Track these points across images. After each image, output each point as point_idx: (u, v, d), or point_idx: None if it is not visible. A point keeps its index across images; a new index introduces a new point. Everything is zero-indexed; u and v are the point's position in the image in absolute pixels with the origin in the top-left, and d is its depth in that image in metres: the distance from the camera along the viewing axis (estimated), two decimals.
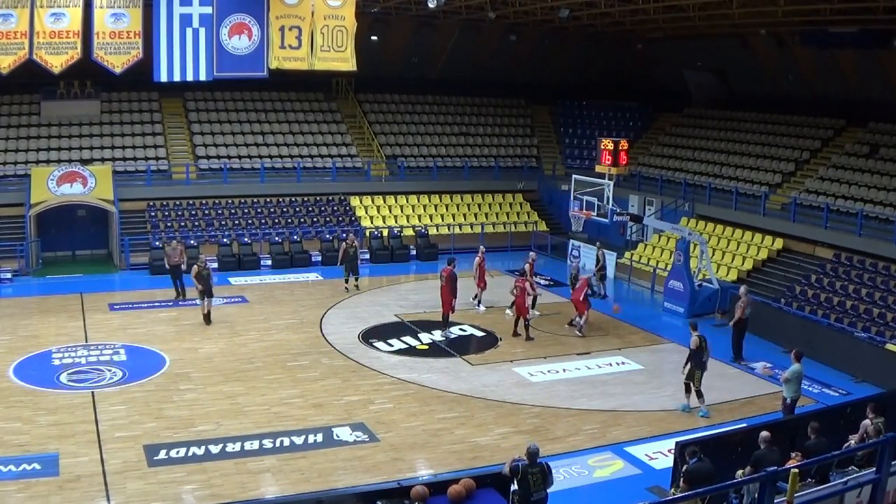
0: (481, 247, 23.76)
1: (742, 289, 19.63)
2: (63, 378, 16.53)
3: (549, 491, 10.30)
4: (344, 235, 26.26)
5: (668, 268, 24.47)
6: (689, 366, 15.60)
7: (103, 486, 12.19)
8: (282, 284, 25.11)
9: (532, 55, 35.07)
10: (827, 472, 9.31)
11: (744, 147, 29.98)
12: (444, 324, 20.24)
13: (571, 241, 29.19)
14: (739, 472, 10.20)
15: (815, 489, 8.43)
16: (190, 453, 13.40)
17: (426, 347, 19.51)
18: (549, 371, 18.04)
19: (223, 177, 29.68)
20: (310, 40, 21.26)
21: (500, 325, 21.30)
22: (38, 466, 12.68)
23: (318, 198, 30.70)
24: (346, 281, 24.18)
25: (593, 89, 37.13)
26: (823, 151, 27.69)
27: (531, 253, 24.14)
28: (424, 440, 14.36)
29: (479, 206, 32.81)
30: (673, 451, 11.69)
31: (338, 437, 14.29)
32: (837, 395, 16.99)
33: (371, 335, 20.14)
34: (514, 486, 10.15)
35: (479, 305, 22.64)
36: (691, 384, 15.57)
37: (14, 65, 19.94)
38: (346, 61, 21.93)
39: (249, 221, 29.07)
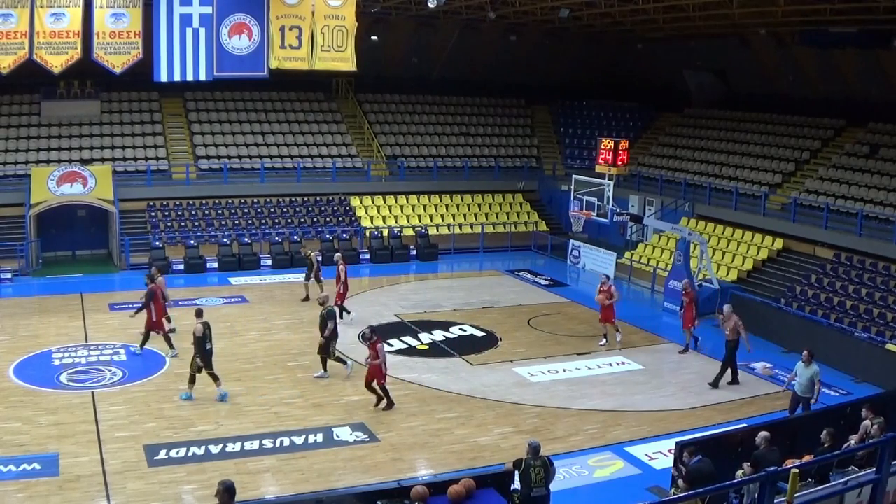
0: (606, 275, 21.67)
1: (726, 308, 17.56)
2: (63, 378, 16.52)
3: (549, 491, 10.30)
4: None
5: (668, 268, 24.46)
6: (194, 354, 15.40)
7: (103, 486, 12.19)
8: (282, 284, 25.07)
9: (532, 55, 35.06)
10: (827, 472, 9.31)
11: (744, 147, 29.96)
12: (168, 343, 18.26)
13: (571, 241, 29.18)
14: (739, 472, 10.21)
15: (815, 489, 8.42)
16: (190, 453, 13.40)
17: (426, 347, 19.52)
18: (549, 371, 18.03)
19: (223, 177, 29.68)
20: (310, 40, 21.27)
21: (501, 325, 21.30)
22: (38, 466, 12.67)
23: (318, 198, 30.69)
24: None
25: (593, 89, 37.13)
26: (823, 151, 27.69)
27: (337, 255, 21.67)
28: (424, 440, 14.36)
29: (479, 206, 32.79)
30: (673, 451, 11.70)
31: (338, 437, 14.29)
32: (837, 395, 16.99)
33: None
34: (515, 485, 10.15)
35: (606, 339, 20.01)
36: (193, 372, 15.47)
37: (14, 65, 19.95)
38: (346, 61, 21.93)
39: (249, 221, 29.05)
